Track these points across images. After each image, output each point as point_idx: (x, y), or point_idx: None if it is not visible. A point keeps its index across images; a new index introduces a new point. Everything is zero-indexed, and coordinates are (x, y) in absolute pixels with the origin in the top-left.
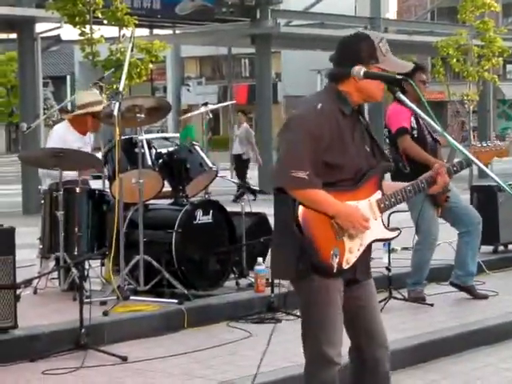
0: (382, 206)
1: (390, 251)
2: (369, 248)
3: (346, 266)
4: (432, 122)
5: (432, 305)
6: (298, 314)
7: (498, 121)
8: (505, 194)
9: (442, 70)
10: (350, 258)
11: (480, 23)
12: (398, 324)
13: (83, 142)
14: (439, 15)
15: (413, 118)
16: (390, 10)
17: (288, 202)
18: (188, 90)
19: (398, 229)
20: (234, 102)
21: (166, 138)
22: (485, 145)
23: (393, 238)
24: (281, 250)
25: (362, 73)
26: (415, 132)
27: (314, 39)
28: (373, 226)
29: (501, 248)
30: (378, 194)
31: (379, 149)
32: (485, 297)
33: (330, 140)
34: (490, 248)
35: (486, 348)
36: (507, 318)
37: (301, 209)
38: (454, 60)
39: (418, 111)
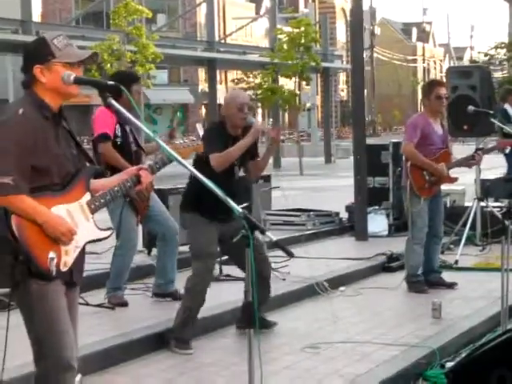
0: (93, 207)
1: None
2: (83, 250)
3: (64, 269)
4: (144, 128)
5: (113, 308)
6: None
7: (146, 125)
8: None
9: (97, 74)
10: (68, 260)
11: (133, 29)
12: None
13: None
14: (85, 20)
15: (118, 126)
16: (35, 13)
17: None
18: None
19: (110, 228)
20: None
21: None
22: (182, 142)
23: (106, 238)
24: None
25: (72, 78)
26: (119, 139)
27: None
28: (86, 227)
29: None
30: (87, 196)
31: (84, 152)
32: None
33: (34, 143)
34: None
35: None
36: None
37: (13, 217)
38: (109, 65)
39: (130, 117)
